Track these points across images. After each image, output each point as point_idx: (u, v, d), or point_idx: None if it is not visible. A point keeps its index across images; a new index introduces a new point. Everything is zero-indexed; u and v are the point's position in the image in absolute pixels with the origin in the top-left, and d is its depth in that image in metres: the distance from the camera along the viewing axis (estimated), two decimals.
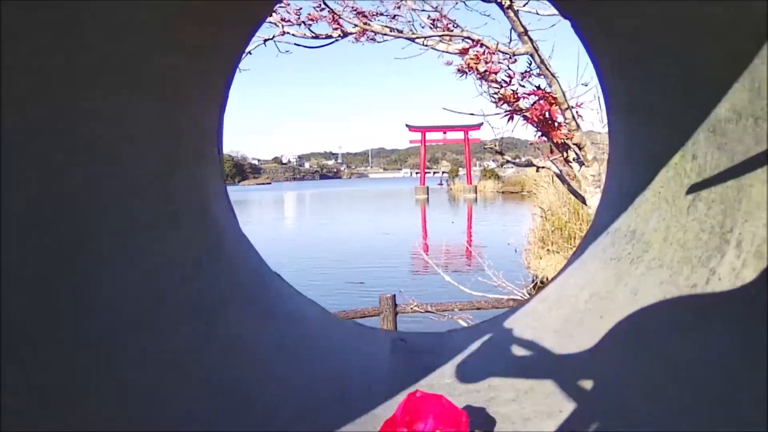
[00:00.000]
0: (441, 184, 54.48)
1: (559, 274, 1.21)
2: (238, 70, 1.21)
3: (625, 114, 1.08)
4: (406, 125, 42.97)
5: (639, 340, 0.85)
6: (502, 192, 34.62)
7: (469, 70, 2.37)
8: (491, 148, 4.01)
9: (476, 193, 37.47)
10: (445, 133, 42.37)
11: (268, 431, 0.69)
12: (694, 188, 0.84)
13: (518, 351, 1.01)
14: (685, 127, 0.85)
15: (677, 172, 0.88)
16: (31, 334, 0.58)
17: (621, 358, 0.84)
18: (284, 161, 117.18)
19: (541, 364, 0.92)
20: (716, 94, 0.78)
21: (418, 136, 43.50)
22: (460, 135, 40.77)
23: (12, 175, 0.57)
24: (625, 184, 1.04)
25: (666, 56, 0.83)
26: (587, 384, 0.83)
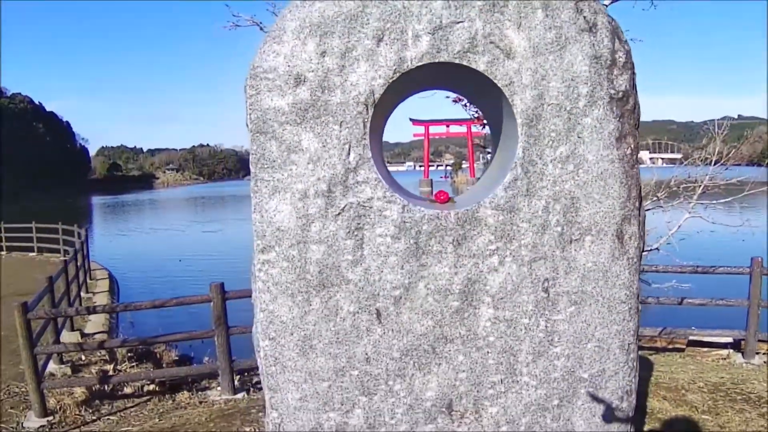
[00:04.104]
0: (446, 176, 56.10)
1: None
2: None
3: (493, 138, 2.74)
4: (410, 119, 44.82)
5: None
6: None
7: (459, 101, 4.17)
8: (478, 144, 5.99)
9: None
10: (448, 126, 44.07)
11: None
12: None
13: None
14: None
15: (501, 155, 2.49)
16: None
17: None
18: None
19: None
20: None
21: (421, 129, 45.13)
22: (463, 129, 42.55)
23: None
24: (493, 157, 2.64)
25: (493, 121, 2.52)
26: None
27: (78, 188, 79.64)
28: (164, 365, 6.77)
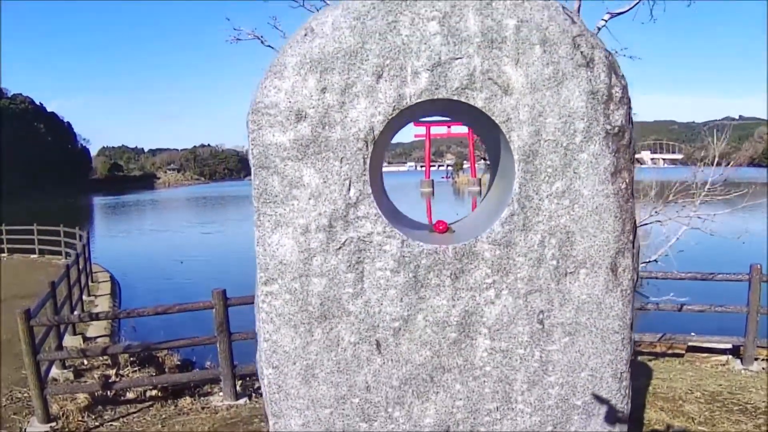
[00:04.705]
0: (447, 177, 56.06)
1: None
2: None
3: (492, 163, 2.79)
4: None
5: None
6: None
7: None
8: (479, 155, 6.04)
9: (481, 186, 38.56)
10: (449, 127, 43.94)
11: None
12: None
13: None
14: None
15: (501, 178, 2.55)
16: None
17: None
18: None
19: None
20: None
21: (422, 130, 45.04)
22: (464, 129, 42.41)
23: None
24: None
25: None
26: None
27: (79, 188, 79.50)
28: (166, 369, 6.84)
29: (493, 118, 2.01)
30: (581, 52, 2.04)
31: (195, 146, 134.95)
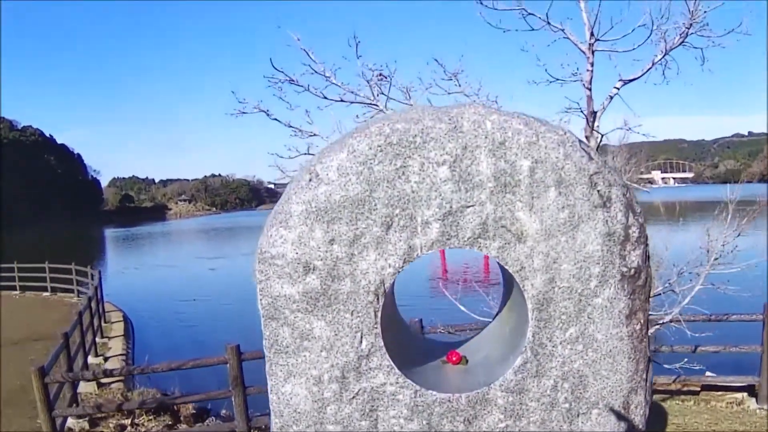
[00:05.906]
0: None
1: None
2: None
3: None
4: None
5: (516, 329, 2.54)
6: None
7: None
8: None
9: None
10: None
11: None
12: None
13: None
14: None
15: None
16: None
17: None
18: None
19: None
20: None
21: None
22: None
23: None
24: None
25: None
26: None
27: (91, 220, 77.80)
28: (182, 418, 6.92)
29: (506, 267, 2.00)
30: (598, 192, 2.00)
31: (206, 176, 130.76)
